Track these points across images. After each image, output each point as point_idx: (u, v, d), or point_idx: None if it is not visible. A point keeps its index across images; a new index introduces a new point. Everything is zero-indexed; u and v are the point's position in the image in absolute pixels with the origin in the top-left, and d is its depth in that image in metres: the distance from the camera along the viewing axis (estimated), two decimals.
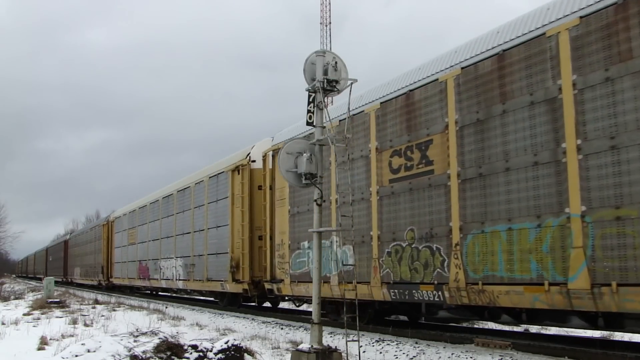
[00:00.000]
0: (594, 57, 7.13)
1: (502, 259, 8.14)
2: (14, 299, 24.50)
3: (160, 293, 29.78)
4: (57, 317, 15.60)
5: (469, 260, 8.67)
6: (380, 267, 10.44)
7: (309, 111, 7.94)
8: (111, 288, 33.65)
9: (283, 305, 18.92)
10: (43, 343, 10.12)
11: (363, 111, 11.23)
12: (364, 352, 9.24)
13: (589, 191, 7.07)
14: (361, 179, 11.14)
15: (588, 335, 10.69)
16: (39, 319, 15.17)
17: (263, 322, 14.59)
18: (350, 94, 8.01)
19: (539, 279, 7.61)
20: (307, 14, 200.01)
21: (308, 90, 7.85)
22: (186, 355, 7.51)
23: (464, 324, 12.69)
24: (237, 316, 16.51)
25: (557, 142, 7.50)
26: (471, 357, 8.39)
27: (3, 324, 13.51)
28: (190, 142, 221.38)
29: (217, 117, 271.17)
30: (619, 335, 10.31)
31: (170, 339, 7.83)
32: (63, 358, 7.49)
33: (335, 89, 7.76)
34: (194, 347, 7.65)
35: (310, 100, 7.85)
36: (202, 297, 23.75)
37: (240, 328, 13.77)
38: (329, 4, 73.61)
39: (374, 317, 11.89)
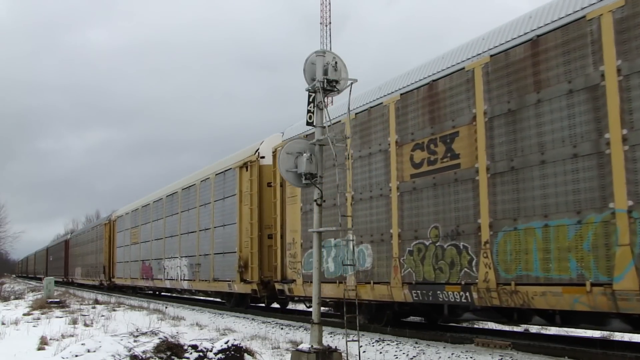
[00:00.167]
0: None
1: (537, 257, 7.62)
2: (14, 299, 24.34)
3: (163, 293, 29.27)
4: (57, 317, 15.49)
5: (500, 259, 8.16)
6: (401, 266, 9.93)
7: (309, 111, 7.93)
8: (113, 288, 33.13)
9: (290, 306, 18.44)
10: (43, 343, 10.03)
11: (381, 103, 10.71)
12: (364, 352, 9.16)
13: (637, 185, 6.56)
14: (380, 174, 10.63)
15: (588, 335, 10.51)
16: (39, 319, 15.05)
17: (263, 322, 14.46)
18: (350, 94, 7.92)
19: (579, 279, 7.10)
20: (307, 14, 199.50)
21: (308, 90, 7.80)
22: (186, 355, 7.48)
23: (464, 324, 12.28)
24: (237, 316, 16.40)
25: (600, 133, 6.99)
26: (471, 357, 8.31)
27: (3, 324, 13.37)
28: (190, 142, 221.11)
29: (217, 117, 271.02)
30: (619, 336, 10.10)
31: (170, 339, 7.79)
32: (63, 358, 7.45)
33: (335, 89, 7.71)
34: (194, 347, 7.62)
35: (310, 100, 7.82)
36: (208, 298, 23.23)
37: (240, 328, 13.63)
38: (329, 4, 73.47)
39: (392, 319, 11.39)
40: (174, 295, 28.36)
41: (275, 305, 18.20)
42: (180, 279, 21.12)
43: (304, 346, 7.43)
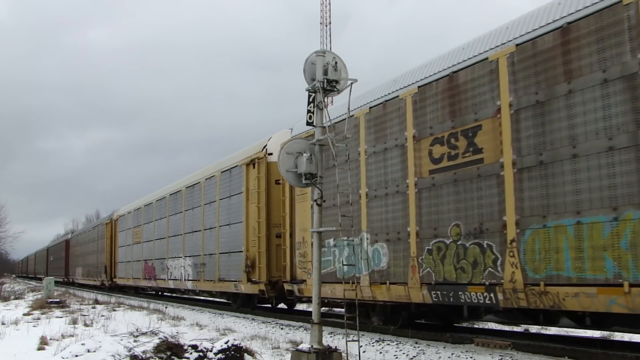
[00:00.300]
0: None
1: (569, 256, 7.22)
2: (14, 299, 24.28)
3: (165, 294, 28.87)
4: (57, 317, 15.44)
5: (527, 259, 7.75)
6: (420, 266, 9.53)
7: (309, 111, 7.92)
8: (114, 288, 32.72)
9: (298, 306, 18.06)
10: (43, 343, 10.00)
11: (397, 96, 10.31)
12: (364, 352, 9.13)
13: None
14: (396, 170, 10.22)
15: (588, 335, 10.42)
16: (39, 319, 14.99)
17: (263, 322, 14.37)
18: (350, 93, 7.88)
19: (616, 279, 6.70)
20: (308, 14, 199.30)
21: (308, 90, 7.80)
22: (186, 355, 7.48)
23: (464, 324, 11.98)
24: (237, 316, 16.34)
25: (638, 124, 6.58)
26: (471, 357, 8.28)
27: (3, 324, 13.31)
28: (191, 142, 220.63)
29: (218, 117, 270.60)
30: (619, 336, 10.01)
31: (170, 339, 7.79)
32: (63, 358, 7.44)
33: (335, 89, 7.70)
34: (194, 347, 7.62)
35: (310, 100, 7.81)
36: (213, 299, 22.85)
37: (240, 328, 13.54)
38: (329, 4, 73.38)
39: (407, 320, 10.99)
40: (174, 295, 28.10)
41: (282, 306, 17.80)
42: (184, 279, 20.71)
43: (304, 346, 7.41)
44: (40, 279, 52.58)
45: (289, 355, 8.46)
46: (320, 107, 7.73)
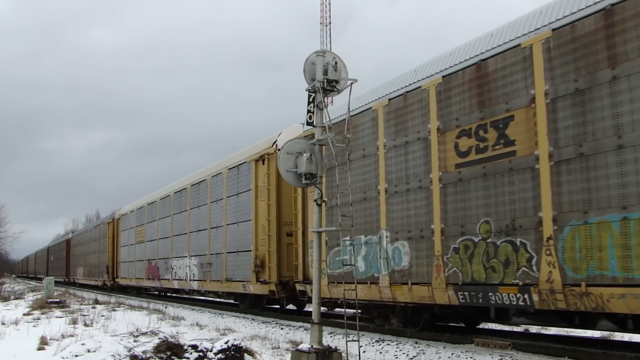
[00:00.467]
0: None
1: (614, 255, 6.72)
2: (14, 299, 24.14)
3: (168, 294, 28.36)
4: (57, 317, 15.39)
5: (566, 257, 7.25)
6: (445, 265, 9.02)
7: (309, 111, 7.94)
8: (116, 288, 32.20)
9: (307, 307, 17.59)
10: (43, 343, 9.98)
11: (419, 87, 9.80)
12: (364, 352, 9.12)
13: None
14: (418, 165, 9.71)
15: (588, 335, 10.33)
16: (39, 319, 14.92)
17: (263, 322, 14.31)
18: (350, 93, 7.86)
19: None
20: (309, 15, 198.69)
21: (308, 90, 7.81)
22: (186, 355, 7.47)
23: (464, 324, 11.47)
24: (237, 316, 16.31)
25: None
26: (471, 357, 8.26)
27: (3, 324, 13.25)
28: (192, 142, 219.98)
29: (219, 117, 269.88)
30: (619, 336, 9.89)
31: (170, 339, 7.79)
32: (63, 358, 7.42)
33: (335, 89, 7.70)
34: (194, 347, 7.62)
35: (310, 100, 7.83)
36: (219, 300, 22.36)
37: (240, 328, 13.48)
38: (329, 4, 73.19)
39: (428, 322, 10.49)
40: (174, 295, 27.68)
41: (291, 307, 17.29)
42: (190, 279, 20.20)
43: (304, 346, 7.42)
44: (41, 279, 52.05)
45: (289, 355, 8.46)
46: (320, 107, 7.71)
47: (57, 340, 10.35)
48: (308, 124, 8.04)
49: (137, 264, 27.42)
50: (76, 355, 7.34)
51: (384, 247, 10.32)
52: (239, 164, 16.58)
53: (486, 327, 11.74)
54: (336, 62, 7.62)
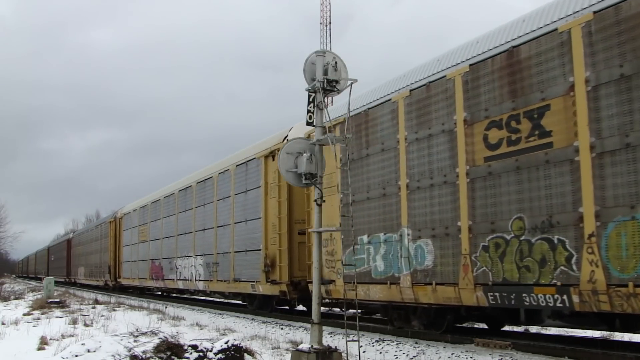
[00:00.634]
0: None
1: None
2: (14, 299, 24.12)
3: (172, 295, 27.85)
4: (57, 317, 15.40)
5: (611, 256, 6.75)
6: (473, 265, 8.52)
7: (309, 111, 7.97)
8: (119, 289, 31.69)
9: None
10: (43, 343, 10.01)
11: (444, 77, 9.30)
12: (364, 352, 9.12)
13: None
14: (443, 159, 9.21)
15: (588, 335, 10.32)
16: (39, 319, 14.94)
17: (263, 322, 14.30)
18: (350, 93, 7.89)
19: None
20: (310, 15, 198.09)
21: (308, 90, 7.83)
22: (186, 355, 7.49)
23: (464, 324, 11.22)
24: (237, 316, 16.33)
25: None
26: (471, 357, 8.26)
27: (3, 324, 13.26)
28: (192, 142, 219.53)
29: (220, 117, 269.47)
30: (619, 336, 9.82)
31: (170, 339, 7.80)
32: (63, 358, 7.43)
33: (335, 89, 7.74)
34: (194, 347, 7.63)
35: (310, 100, 7.85)
36: (226, 300, 21.91)
37: (240, 328, 13.48)
38: (329, 4, 72.85)
39: (452, 324, 10.00)
40: (173, 295, 27.26)
41: (301, 307, 16.80)
42: (195, 280, 19.69)
43: (304, 346, 7.44)
44: (41, 279, 51.58)
45: (289, 355, 8.48)
46: (320, 107, 7.75)
47: (57, 340, 10.36)
48: (308, 124, 8.02)
49: (140, 264, 26.92)
50: (76, 355, 7.34)
51: (406, 245, 9.82)
52: (248, 160, 16.08)
53: (486, 327, 11.30)
54: (336, 62, 7.64)
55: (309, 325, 7.67)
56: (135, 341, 7.92)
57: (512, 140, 8.06)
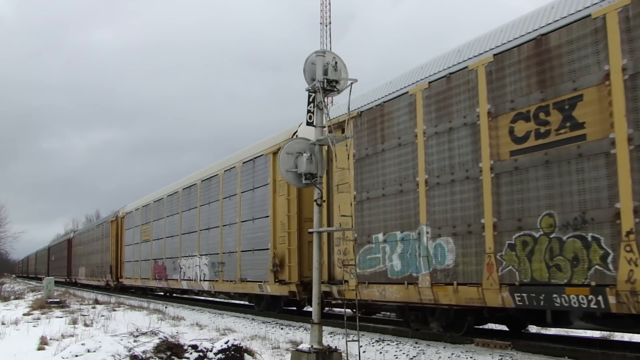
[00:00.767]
0: None
1: None
2: (14, 299, 24.08)
3: (173, 295, 27.44)
4: (57, 317, 15.38)
5: None
6: (498, 264, 8.12)
7: (309, 111, 7.97)
8: (120, 289, 31.29)
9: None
10: (43, 343, 10.01)
11: (466, 67, 8.91)
12: (364, 352, 9.13)
13: None
14: (465, 153, 8.82)
15: (588, 335, 10.30)
16: (39, 319, 14.92)
17: (263, 322, 14.29)
18: (350, 93, 7.91)
19: None
20: (311, 14, 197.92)
21: (308, 90, 7.84)
22: (186, 355, 7.50)
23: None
24: (237, 316, 16.33)
25: None
26: (471, 357, 8.26)
27: (3, 324, 13.25)
28: (193, 142, 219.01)
29: (220, 117, 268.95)
30: (619, 336, 9.82)
31: (170, 339, 7.81)
32: (63, 358, 7.44)
33: (335, 89, 7.75)
34: (194, 347, 7.64)
35: (310, 100, 7.86)
36: (232, 301, 21.54)
37: (240, 328, 13.50)
38: (329, 4, 72.67)
39: (472, 325, 9.60)
40: (173, 295, 26.90)
41: (309, 309, 16.39)
42: (200, 280, 19.28)
43: (304, 346, 7.47)
44: (41, 279, 51.18)
45: (289, 355, 8.48)
46: (320, 107, 7.76)
47: (57, 340, 10.36)
48: (308, 124, 8.02)
49: (143, 264, 26.52)
50: (76, 355, 7.35)
51: (424, 244, 9.42)
52: (255, 157, 15.68)
53: (486, 327, 11.13)
54: (336, 62, 7.65)
55: (309, 325, 7.68)
56: (135, 341, 7.94)
57: (540, 133, 7.66)
